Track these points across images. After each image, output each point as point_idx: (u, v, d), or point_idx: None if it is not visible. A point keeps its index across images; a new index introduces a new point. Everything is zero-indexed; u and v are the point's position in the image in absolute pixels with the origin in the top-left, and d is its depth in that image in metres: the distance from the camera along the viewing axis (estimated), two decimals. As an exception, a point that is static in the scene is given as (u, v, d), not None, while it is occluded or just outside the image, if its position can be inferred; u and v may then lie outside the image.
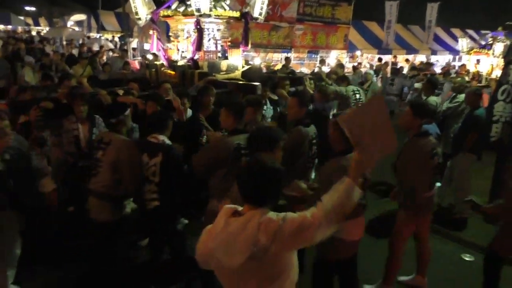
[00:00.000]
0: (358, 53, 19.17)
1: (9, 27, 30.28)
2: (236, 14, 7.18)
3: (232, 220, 1.97)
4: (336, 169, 2.90)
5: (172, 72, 6.86)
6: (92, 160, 3.61)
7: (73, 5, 25.00)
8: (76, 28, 23.93)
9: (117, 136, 3.56)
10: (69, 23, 24.33)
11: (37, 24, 35.10)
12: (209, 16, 6.42)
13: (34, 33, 29.46)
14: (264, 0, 7.23)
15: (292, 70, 10.92)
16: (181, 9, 6.75)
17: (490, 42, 13.66)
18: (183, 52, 7.15)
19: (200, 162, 3.45)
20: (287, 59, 12.93)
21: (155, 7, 6.91)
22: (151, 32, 7.15)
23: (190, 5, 6.57)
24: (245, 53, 12.33)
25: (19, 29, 30.49)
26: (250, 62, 9.01)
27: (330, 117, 5.69)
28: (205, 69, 6.73)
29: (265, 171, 2.03)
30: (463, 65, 15.98)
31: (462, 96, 6.88)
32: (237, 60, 7.34)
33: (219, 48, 7.20)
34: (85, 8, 23.56)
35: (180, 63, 6.93)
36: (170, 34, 7.30)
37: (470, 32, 23.91)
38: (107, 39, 20.66)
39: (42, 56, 12.96)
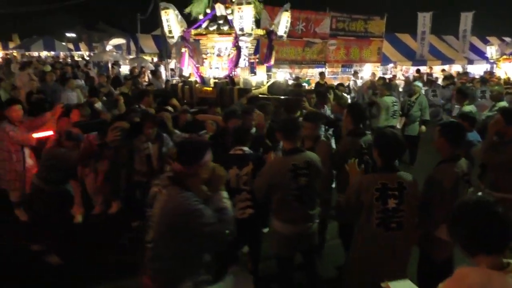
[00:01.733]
0: (391, 65, 19.12)
1: (52, 53, 32.07)
2: (262, 32, 7.47)
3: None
4: (448, 175, 3.07)
5: (209, 89, 7.01)
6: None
7: (112, 30, 26.12)
8: (115, 52, 25.05)
9: None
10: (108, 47, 25.43)
11: (77, 49, 36.91)
12: (251, 35, 6.63)
13: (76, 57, 31.04)
14: (288, 19, 7.49)
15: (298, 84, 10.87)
16: (213, 27, 6.95)
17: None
18: (217, 68, 7.33)
19: (257, 187, 3.48)
20: (321, 74, 13.09)
21: (186, 26, 7.11)
22: (183, 50, 7.36)
23: (223, 24, 6.85)
24: (280, 69, 12.65)
25: (61, 54, 32.23)
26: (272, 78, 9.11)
27: None
28: (241, 85, 6.91)
29: None
30: (490, 72, 15.58)
31: (500, 104, 6.86)
32: (263, 76, 7.50)
33: (247, 64, 7.41)
34: (124, 33, 24.61)
35: (213, 80, 7.11)
36: (204, 52, 7.47)
37: (507, 39, 23.35)
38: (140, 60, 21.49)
39: (87, 79, 13.75)
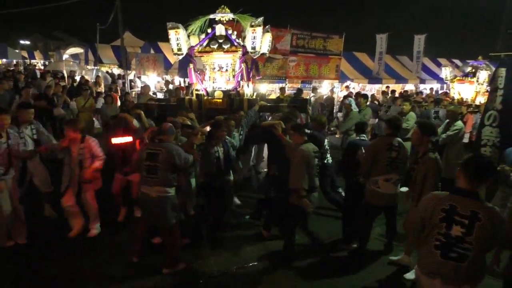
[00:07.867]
0: (348, 82, 19.70)
1: (4, 60, 30.76)
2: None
3: None
4: None
5: (219, 100, 7.65)
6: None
7: (69, 38, 25.49)
8: (71, 62, 24.39)
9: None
10: (65, 56, 24.71)
11: (32, 57, 35.63)
12: (259, 53, 7.26)
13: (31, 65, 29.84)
14: (270, 39, 8.06)
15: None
16: (215, 46, 7.45)
17: (472, 71, 14.14)
18: (215, 82, 7.89)
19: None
20: (282, 89, 13.31)
21: (191, 43, 7.63)
22: (191, 66, 7.92)
23: (224, 42, 7.37)
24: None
25: (14, 62, 30.96)
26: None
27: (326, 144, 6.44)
28: (244, 96, 7.68)
29: None
30: (445, 93, 16.45)
31: (459, 123, 7.34)
32: (251, 88, 8.20)
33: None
34: (82, 42, 24.03)
35: (217, 92, 7.66)
36: (207, 67, 7.92)
37: (456, 61, 24.78)
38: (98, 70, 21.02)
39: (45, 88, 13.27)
